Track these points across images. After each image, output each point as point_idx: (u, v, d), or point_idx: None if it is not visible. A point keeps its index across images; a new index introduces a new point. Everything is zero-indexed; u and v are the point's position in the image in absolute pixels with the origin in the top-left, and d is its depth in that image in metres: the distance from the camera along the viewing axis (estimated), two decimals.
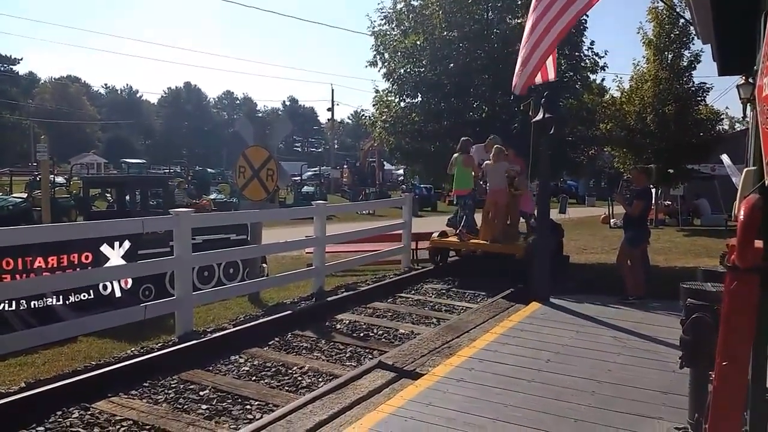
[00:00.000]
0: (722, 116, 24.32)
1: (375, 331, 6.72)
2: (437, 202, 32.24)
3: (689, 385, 3.39)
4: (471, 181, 9.75)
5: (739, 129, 32.79)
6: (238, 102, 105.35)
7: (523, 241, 9.64)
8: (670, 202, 23.71)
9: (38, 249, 6.17)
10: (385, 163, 41.39)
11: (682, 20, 19.07)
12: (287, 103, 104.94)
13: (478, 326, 6.14)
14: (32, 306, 6.13)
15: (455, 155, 9.73)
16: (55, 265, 6.39)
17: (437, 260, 10.38)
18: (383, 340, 6.41)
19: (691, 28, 15.41)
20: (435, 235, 10.34)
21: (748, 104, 12.64)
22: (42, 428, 4.08)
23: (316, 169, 49.35)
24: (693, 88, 20.22)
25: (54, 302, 6.36)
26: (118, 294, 7.00)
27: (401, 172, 43.09)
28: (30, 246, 6.04)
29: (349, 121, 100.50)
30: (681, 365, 3.26)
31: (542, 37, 6.89)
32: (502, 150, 9.37)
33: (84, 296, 6.63)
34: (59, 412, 4.27)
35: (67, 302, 6.46)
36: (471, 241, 9.83)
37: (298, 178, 35.46)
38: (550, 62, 7.26)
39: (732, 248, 1.68)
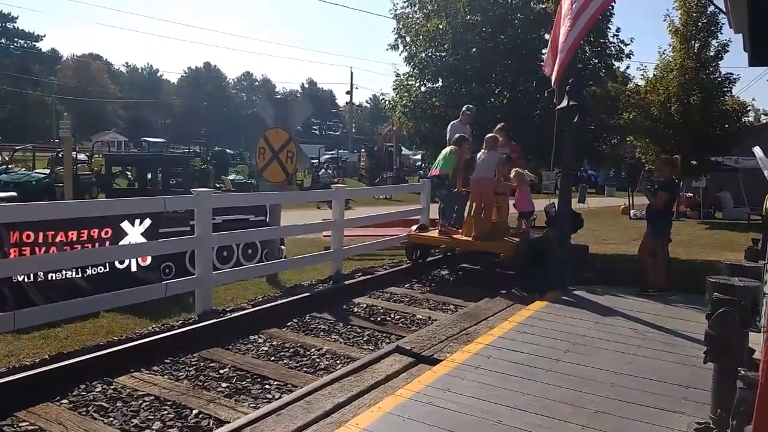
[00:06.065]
0: (749, 108, 23.77)
1: (392, 315, 6.74)
2: None
3: (713, 380, 3.35)
4: (450, 168, 8.67)
5: (765, 121, 32.14)
6: (257, 83, 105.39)
7: (513, 238, 8.41)
8: (692, 195, 23.38)
9: (60, 223, 6.25)
10: (402, 147, 41.20)
11: (710, 9, 18.64)
12: (306, 85, 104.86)
13: (496, 314, 6.12)
14: (49, 278, 6.22)
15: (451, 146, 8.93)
16: (75, 240, 6.47)
17: (416, 257, 9.03)
18: (400, 324, 6.43)
19: (722, 16, 15.08)
20: (413, 228, 9.20)
21: None
22: (66, 401, 4.16)
23: (334, 152, 49.30)
24: (719, 79, 19.78)
25: (72, 276, 6.44)
26: (133, 269, 7.08)
27: (418, 157, 42.87)
28: (52, 220, 6.12)
29: (368, 105, 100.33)
30: (705, 360, 3.22)
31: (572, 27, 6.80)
32: (497, 138, 8.39)
33: (100, 270, 6.72)
34: (83, 386, 4.36)
35: (84, 275, 6.55)
36: (453, 237, 8.50)
37: (316, 161, 35.46)
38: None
39: None
